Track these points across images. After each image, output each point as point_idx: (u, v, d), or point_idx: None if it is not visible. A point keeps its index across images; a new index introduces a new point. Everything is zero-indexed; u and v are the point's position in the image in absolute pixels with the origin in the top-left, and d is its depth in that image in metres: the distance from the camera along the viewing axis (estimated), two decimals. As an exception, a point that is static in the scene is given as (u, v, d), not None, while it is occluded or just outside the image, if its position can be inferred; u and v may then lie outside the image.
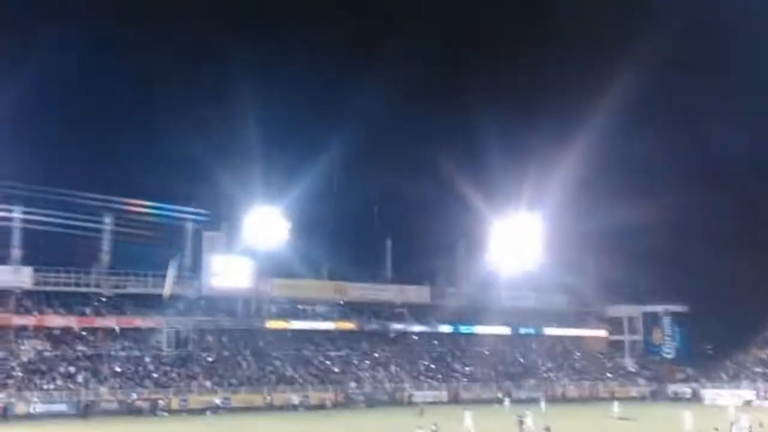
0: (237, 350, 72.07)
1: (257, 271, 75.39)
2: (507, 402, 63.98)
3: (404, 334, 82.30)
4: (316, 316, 79.75)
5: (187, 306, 72.15)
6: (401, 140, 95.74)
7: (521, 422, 39.41)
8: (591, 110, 76.32)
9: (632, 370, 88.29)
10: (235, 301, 75.39)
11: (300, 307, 79.90)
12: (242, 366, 69.61)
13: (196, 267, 73.62)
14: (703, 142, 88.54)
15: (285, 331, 76.12)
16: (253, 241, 74.19)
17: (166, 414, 58.23)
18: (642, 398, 77.57)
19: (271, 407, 63.09)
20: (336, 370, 72.86)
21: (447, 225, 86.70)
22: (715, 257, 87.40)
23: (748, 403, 66.06)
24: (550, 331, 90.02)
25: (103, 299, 69.58)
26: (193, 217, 72.84)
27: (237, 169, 73.37)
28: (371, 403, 67.46)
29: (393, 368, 75.74)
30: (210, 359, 69.46)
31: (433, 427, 40.55)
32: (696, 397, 74.38)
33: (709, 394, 74.04)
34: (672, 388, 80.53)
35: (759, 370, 77.67)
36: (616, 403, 57.84)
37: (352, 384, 70.21)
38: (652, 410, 59.36)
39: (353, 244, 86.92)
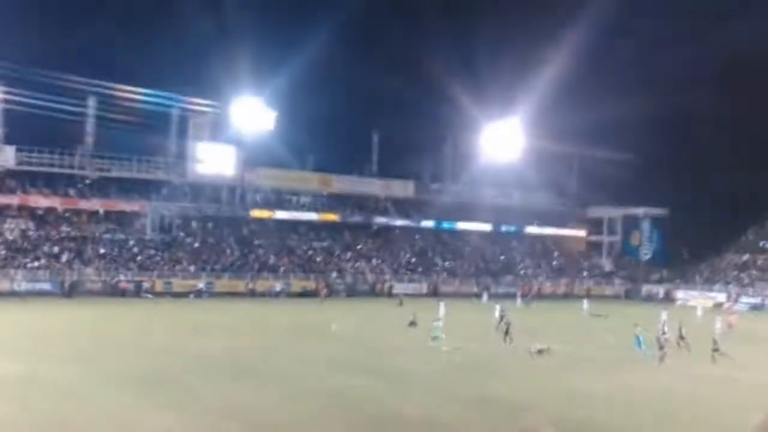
0: (221, 237, 72.91)
1: (243, 160, 75.31)
2: (485, 297, 65.61)
3: (387, 228, 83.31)
4: (300, 207, 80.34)
5: (172, 192, 72.37)
6: (391, 36, 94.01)
7: (502, 318, 40.52)
8: (578, 11, 75.13)
9: (608, 270, 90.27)
10: (220, 189, 75.64)
11: (285, 197, 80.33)
12: (226, 253, 70.59)
13: (181, 153, 73.45)
14: (687, 42, 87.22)
15: (269, 220, 76.83)
16: (239, 129, 73.77)
17: (150, 296, 59.42)
18: (616, 297, 79.66)
19: (253, 293, 64.48)
20: (318, 260, 74.07)
21: (434, 122, 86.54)
22: (697, 162, 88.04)
23: (718, 305, 68.02)
24: (531, 229, 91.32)
25: (88, 182, 69.66)
26: (179, 103, 72.08)
27: (224, 58, 72.29)
28: (352, 293, 69.00)
29: (374, 260, 77.06)
30: (194, 245, 70.33)
31: (412, 317, 42.19)
32: (668, 298, 76.46)
33: (682, 295, 76.13)
34: (646, 288, 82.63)
35: (733, 274, 79.58)
36: (585, 301, 59.56)
37: (334, 274, 71.56)
38: (623, 309, 61.09)
39: (340, 136, 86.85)
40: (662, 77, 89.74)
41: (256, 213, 76.24)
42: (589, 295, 73.73)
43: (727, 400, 24.27)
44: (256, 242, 73.92)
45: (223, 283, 65.20)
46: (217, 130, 74.49)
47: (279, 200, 79.73)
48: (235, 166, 74.88)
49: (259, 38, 76.39)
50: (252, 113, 73.56)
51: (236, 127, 73.74)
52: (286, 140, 78.42)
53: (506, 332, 35.80)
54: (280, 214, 77.64)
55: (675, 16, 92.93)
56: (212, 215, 74.03)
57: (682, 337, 35.02)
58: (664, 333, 33.42)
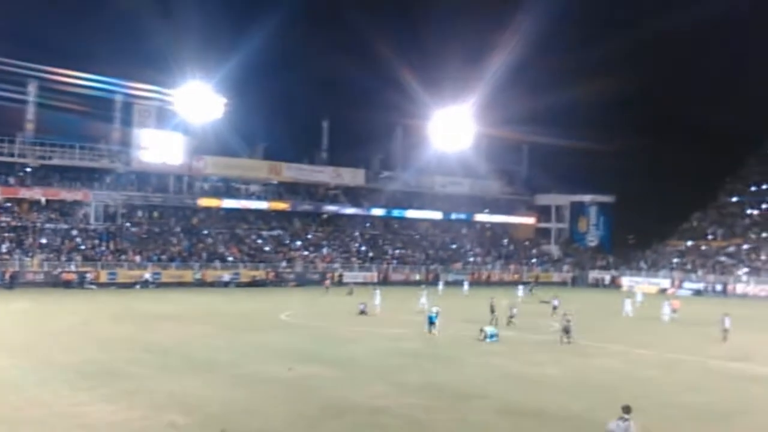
0: (168, 226, 71.77)
1: (191, 148, 74.16)
2: (441, 285, 65.03)
3: (337, 216, 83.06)
4: (249, 195, 79.53)
5: (116, 180, 70.92)
6: (342, 23, 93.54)
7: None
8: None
9: (557, 256, 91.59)
10: (167, 178, 74.39)
11: (234, 185, 79.42)
12: (173, 242, 69.51)
13: (125, 141, 71.93)
14: (632, 27, 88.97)
15: (217, 209, 75.89)
16: (187, 116, 72.58)
17: (94, 287, 58.20)
18: (564, 283, 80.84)
19: (201, 283, 63.67)
20: (267, 249, 73.48)
21: (385, 110, 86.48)
22: (643, 149, 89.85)
23: (662, 291, 69.52)
24: (481, 217, 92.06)
25: (28, 169, 67.83)
26: (123, 89, 70.53)
27: (171, 43, 70.76)
28: (302, 282, 68.65)
29: (325, 249, 76.78)
30: (140, 234, 69.09)
31: (361, 306, 42.47)
32: (614, 284, 77.88)
33: (627, 281, 77.65)
34: (592, 274, 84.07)
35: (676, 260, 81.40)
36: (520, 287, 60.33)
37: (283, 263, 71.08)
38: (570, 294, 62.06)
39: (290, 124, 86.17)
40: (610, 65, 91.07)
41: (204, 202, 75.21)
42: (537, 282, 74.92)
43: (668, 380, 24.81)
44: (205, 231, 72.98)
45: (171, 273, 64.19)
46: (163, 117, 73.16)
47: (228, 189, 78.80)
48: (182, 153, 73.68)
49: (209, 23, 75.15)
50: (200, 100, 72.42)
51: (184, 114, 72.52)
52: (235, 128, 77.62)
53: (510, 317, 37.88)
54: (229, 203, 76.76)
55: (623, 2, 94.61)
56: (159, 204, 72.79)
57: (511, 317, 38.09)
58: (564, 315, 33.91)
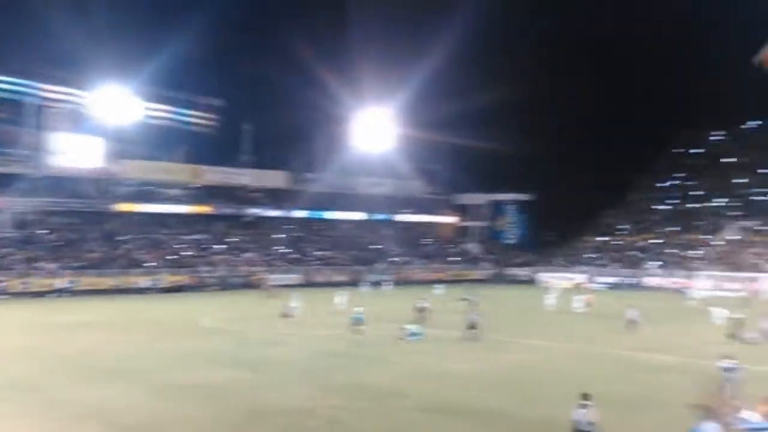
0: (84, 233, 69.82)
1: (108, 152, 72.39)
2: (366, 286, 65.12)
3: (260, 219, 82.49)
4: (169, 199, 78.16)
5: (29, 186, 68.57)
6: (264, 24, 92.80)
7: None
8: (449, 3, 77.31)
9: (477, 254, 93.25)
10: (83, 182, 72.35)
11: (153, 189, 77.91)
12: (90, 249, 67.67)
13: (38, 145, 69.65)
14: (551, 32, 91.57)
15: (136, 214, 74.30)
16: (104, 119, 70.87)
17: (6, 296, 56.16)
18: (484, 281, 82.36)
19: (120, 290, 62.16)
20: (189, 253, 72.38)
21: (307, 112, 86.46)
22: (558, 150, 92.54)
23: (578, 285, 71.68)
24: (403, 217, 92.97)
25: (-66, 176, 64.95)
26: (35, 91, 68.25)
27: (88, 44, 68.80)
28: (225, 286, 67.86)
29: (248, 252, 76.13)
30: (55, 241, 66.99)
31: (285, 308, 42.65)
32: (532, 280, 79.88)
33: (544, 277, 79.71)
34: (512, 271, 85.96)
35: (591, 256, 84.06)
36: (438, 286, 61.28)
37: (205, 268, 70.14)
38: (490, 291, 63.38)
39: (211, 126, 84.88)
40: (527, 68, 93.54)
41: (122, 207, 73.46)
42: (459, 279, 76.33)
43: (582, 372, 25.76)
44: (123, 237, 71.31)
45: (88, 281, 62.31)
46: (79, 120, 71.11)
47: (147, 193, 77.23)
48: (99, 158, 71.80)
49: (127, 24, 73.65)
50: (119, 103, 70.79)
51: (101, 118, 70.73)
52: (155, 131, 76.08)
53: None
54: (149, 207, 75.22)
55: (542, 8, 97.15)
56: (75, 210, 70.67)
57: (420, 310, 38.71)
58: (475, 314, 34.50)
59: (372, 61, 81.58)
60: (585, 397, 14.63)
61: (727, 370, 20.46)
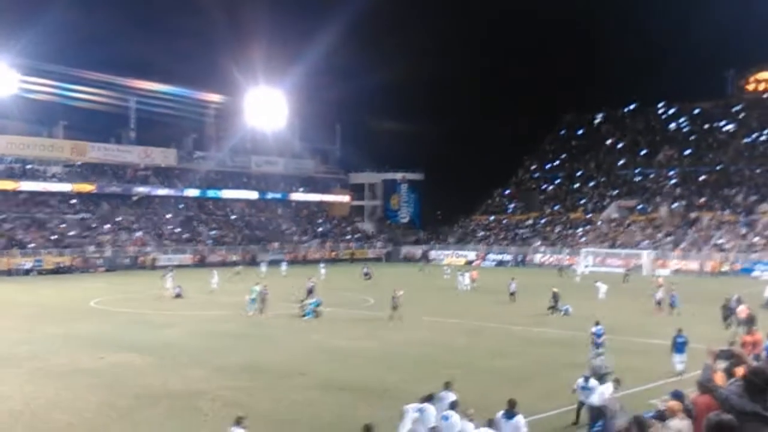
0: (-43, 212, 65.80)
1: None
2: (263, 265, 63.39)
3: (148, 198, 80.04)
4: (50, 177, 74.61)
5: None
6: (155, 2, 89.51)
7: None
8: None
9: (371, 233, 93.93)
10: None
11: (32, 167, 74.15)
12: (-36, 229, 63.90)
13: None
14: (440, 16, 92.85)
15: (14, 192, 70.58)
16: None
17: None
18: (378, 259, 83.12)
19: (-1, 272, 59.06)
20: (73, 233, 69.44)
21: (197, 90, 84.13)
22: (448, 129, 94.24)
23: (469, 263, 73.42)
24: (297, 196, 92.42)
25: None
26: None
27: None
28: (112, 267, 65.61)
29: (137, 232, 73.80)
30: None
31: (178, 289, 41.60)
32: (425, 258, 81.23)
33: (436, 255, 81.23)
34: (405, 249, 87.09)
35: (480, 234, 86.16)
36: (321, 265, 60.31)
37: (91, 248, 67.53)
38: (384, 269, 64.06)
39: (94, 102, 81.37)
40: (418, 50, 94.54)
41: (-1, 184, 69.66)
42: (353, 258, 76.79)
43: (478, 347, 26.47)
44: (1, 216, 67.62)
45: (-38, 263, 58.98)
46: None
47: (26, 170, 73.43)
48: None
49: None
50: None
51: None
52: (32, 105, 72.21)
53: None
54: (28, 185, 71.57)
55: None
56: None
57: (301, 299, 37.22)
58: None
59: (265, 37, 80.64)
60: (511, 404, 13.15)
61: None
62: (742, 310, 27.95)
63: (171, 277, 44.12)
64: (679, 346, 20.89)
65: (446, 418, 13.30)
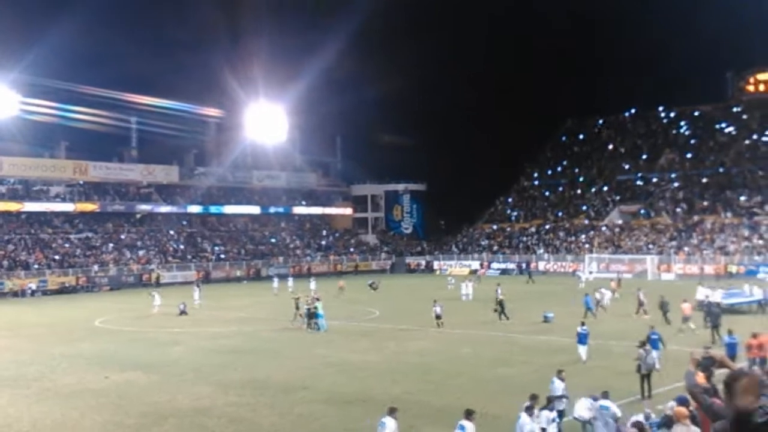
0: (-39, 235, 66.00)
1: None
2: (276, 281, 62.45)
3: (151, 215, 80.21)
4: (53, 197, 74.85)
5: None
6: (151, 15, 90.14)
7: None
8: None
9: (374, 245, 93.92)
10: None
11: (35, 187, 74.42)
12: (-32, 251, 64.07)
13: None
14: (429, 29, 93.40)
15: (18, 213, 70.80)
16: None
17: None
18: (382, 271, 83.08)
19: (3, 294, 59.15)
20: (77, 253, 69.61)
21: (198, 105, 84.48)
22: (449, 140, 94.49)
23: (473, 272, 73.31)
24: (299, 209, 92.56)
25: None
26: None
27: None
28: (117, 285, 65.70)
29: (140, 250, 73.93)
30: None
31: (181, 306, 41.74)
32: (428, 269, 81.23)
33: (440, 265, 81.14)
34: (408, 260, 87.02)
35: (484, 243, 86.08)
36: (312, 279, 59.35)
37: (95, 267, 67.66)
38: (388, 280, 64.05)
39: (95, 121, 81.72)
40: (417, 63, 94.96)
41: (2, 206, 69.81)
42: (357, 271, 76.70)
43: (481, 356, 26.46)
44: (5, 238, 67.82)
45: (-33, 285, 59.07)
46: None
47: (29, 191, 73.68)
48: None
49: (2, 13, 69.55)
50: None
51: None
52: (34, 127, 72.53)
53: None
54: (31, 206, 71.79)
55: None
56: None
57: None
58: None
59: (265, 52, 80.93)
60: (391, 411, 13.99)
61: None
62: (686, 308, 31.24)
63: (158, 294, 44.57)
64: (581, 338, 24.84)
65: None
